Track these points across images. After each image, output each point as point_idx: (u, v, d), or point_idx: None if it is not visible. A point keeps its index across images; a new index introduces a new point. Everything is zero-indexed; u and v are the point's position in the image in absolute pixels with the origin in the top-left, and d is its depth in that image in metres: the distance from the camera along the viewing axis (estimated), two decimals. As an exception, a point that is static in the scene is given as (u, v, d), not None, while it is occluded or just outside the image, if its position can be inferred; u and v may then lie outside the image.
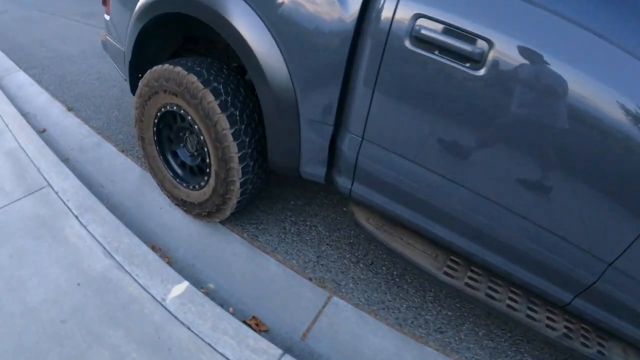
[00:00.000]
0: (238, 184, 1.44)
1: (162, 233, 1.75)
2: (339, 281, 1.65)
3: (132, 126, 2.51)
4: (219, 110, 1.34)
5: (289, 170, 1.39)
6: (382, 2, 1.00)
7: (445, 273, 1.26)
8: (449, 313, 1.59)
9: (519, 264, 1.12)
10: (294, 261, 1.70)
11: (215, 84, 1.39)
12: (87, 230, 1.57)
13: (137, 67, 1.77)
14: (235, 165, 1.39)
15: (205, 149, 1.49)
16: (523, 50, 0.87)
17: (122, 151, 2.27)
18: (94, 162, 2.18)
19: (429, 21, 0.93)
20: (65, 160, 2.14)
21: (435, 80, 0.97)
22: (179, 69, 1.42)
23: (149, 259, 1.46)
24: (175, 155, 1.77)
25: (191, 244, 1.71)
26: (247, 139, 1.39)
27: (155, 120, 1.68)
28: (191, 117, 1.48)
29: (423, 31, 0.94)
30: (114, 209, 1.84)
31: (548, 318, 1.19)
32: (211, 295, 1.50)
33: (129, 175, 2.10)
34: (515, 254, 1.09)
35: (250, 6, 1.14)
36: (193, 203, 1.70)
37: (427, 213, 1.20)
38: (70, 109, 2.64)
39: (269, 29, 1.13)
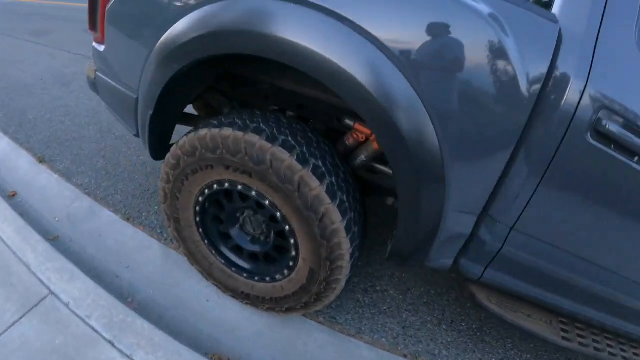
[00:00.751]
0: (343, 282, 1.18)
1: (222, 336, 1.41)
2: (432, 351, 1.53)
3: (131, 179, 2.02)
4: (327, 200, 1.03)
5: (409, 260, 1.17)
6: (566, 87, 0.85)
7: (563, 338, 1.32)
8: (529, 356, 1.62)
9: (624, 317, 1.23)
10: (384, 339, 1.51)
11: (314, 160, 1.05)
12: (137, 361, 1.18)
13: (155, 119, 1.30)
14: (345, 263, 1.12)
15: (291, 241, 1.19)
16: None
17: (127, 219, 1.81)
18: (94, 239, 1.70)
19: (611, 114, 0.88)
20: (54, 239, 1.64)
21: (609, 175, 0.94)
22: (254, 138, 1.03)
23: (237, 390, 1.14)
24: (226, 237, 1.41)
25: (264, 345, 1.40)
26: (357, 229, 1.13)
27: (200, 199, 1.31)
28: (269, 202, 1.15)
29: (608, 125, 0.88)
30: (148, 312, 1.44)
31: (634, 354, 1.32)
32: (313, 411, 1.25)
33: (147, 255, 1.67)
34: (624, 311, 1.20)
35: (393, 63, 0.87)
36: (261, 297, 1.38)
37: (567, 294, 1.20)
38: (41, 161, 2.04)
39: (421, 98, 0.88)
